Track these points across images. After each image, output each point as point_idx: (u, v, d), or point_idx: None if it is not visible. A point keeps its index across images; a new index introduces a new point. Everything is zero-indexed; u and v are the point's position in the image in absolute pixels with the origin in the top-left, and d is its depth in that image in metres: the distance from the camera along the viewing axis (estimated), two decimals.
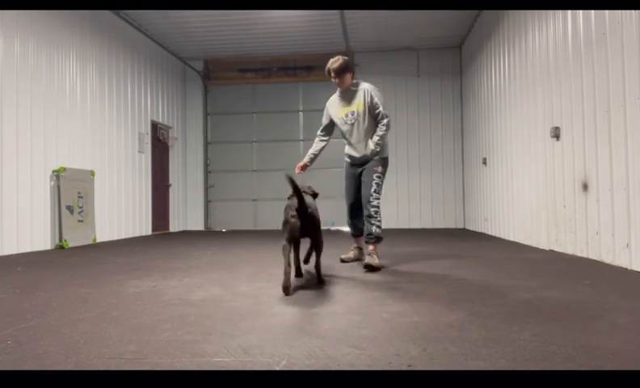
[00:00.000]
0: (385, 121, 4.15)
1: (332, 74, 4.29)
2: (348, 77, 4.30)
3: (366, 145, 4.25)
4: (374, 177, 4.16)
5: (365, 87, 4.25)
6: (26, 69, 6.23)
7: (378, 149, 4.18)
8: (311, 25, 9.33)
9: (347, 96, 4.34)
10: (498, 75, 7.67)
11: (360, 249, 4.65)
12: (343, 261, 4.55)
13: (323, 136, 4.56)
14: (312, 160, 4.51)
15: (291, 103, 11.27)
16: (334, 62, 4.28)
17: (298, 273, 3.61)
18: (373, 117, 4.22)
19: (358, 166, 4.36)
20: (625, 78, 3.92)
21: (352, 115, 4.29)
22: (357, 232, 4.60)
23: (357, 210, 4.47)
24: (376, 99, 4.18)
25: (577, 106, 4.81)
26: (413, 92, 10.65)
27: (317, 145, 4.55)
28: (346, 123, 4.34)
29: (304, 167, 4.46)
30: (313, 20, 9.07)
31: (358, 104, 4.25)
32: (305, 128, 11.23)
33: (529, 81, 6.20)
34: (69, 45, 7.14)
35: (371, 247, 4.16)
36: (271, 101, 11.29)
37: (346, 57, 4.37)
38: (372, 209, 4.14)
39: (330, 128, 4.54)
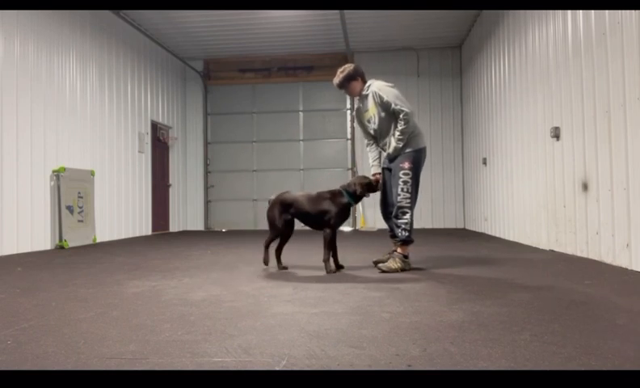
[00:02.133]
0: (401, 116, 4.03)
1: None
2: (355, 84, 4.25)
3: (390, 142, 4.17)
4: (400, 175, 4.07)
5: (372, 90, 4.17)
6: (26, 69, 6.23)
7: (400, 145, 4.08)
8: (311, 25, 9.33)
9: (364, 102, 4.31)
10: (498, 75, 7.67)
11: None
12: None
13: (370, 143, 4.49)
14: (378, 165, 4.45)
15: (291, 103, 11.27)
16: (335, 78, 4.27)
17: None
18: (391, 114, 4.11)
19: (390, 163, 4.25)
20: (625, 78, 3.92)
21: (372, 119, 4.25)
22: (391, 233, 4.34)
23: (385, 211, 4.37)
24: (386, 98, 4.08)
25: (577, 106, 4.80)
26: (413, 92, 10.63)
27: (372, 152, 4.48)
28: (371, 128, 4.32)
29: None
30: (313, 20, 9.08)
31: (372, 108, 4.21)
32: (305, 128, 11.24)
33: (529, 81, 6.20)
34: (69, 45, 7.15)
35: (398, 250, 4.05)
36: (271, 101, 11.29)
37: (349, 68, 4.26)
38: (399, 210, 4.05)
39: (368, 133, 4.45)
